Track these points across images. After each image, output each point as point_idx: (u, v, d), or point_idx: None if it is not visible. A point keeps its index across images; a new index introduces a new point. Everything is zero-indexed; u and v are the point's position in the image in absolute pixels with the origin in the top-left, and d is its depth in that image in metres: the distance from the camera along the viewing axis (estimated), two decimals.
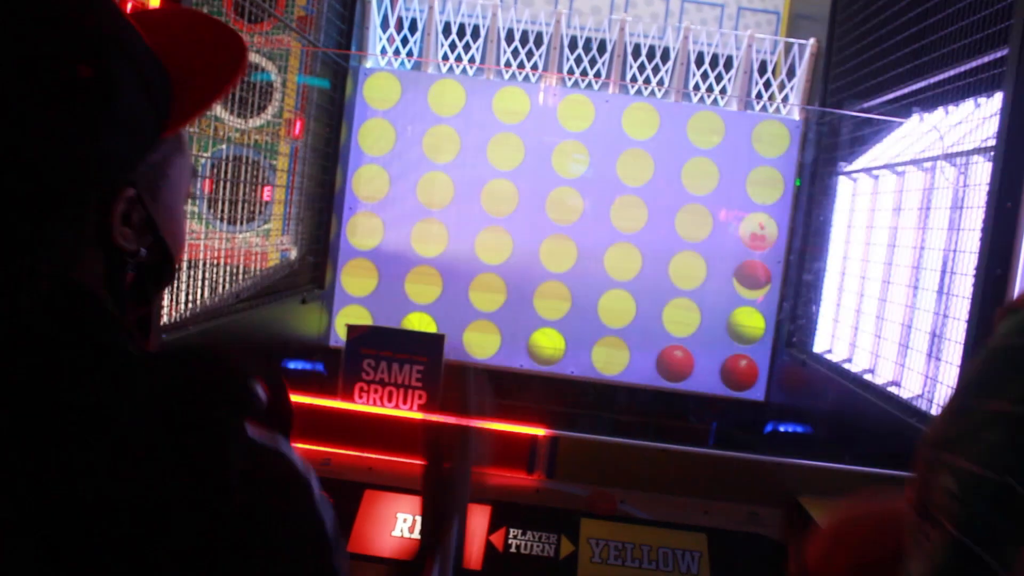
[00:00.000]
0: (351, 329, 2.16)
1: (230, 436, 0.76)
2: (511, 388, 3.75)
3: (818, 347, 3.68)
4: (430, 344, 2.12)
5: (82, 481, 0.70)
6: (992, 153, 2.27)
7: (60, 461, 0.70)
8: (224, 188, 3.28)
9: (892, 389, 2.83)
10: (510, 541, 1.97)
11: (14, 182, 0.75)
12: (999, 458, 0.76)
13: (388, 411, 2.13)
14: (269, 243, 3.48)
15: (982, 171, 2.43)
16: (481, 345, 3.83)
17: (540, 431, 2.12)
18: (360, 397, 2.13)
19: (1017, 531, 0.74)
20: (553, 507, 2.06)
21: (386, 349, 2.12)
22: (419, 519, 1.97)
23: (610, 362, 3.84)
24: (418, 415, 2.11)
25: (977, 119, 2.57)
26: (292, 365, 2.76)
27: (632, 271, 3.83)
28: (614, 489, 2.12)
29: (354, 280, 3.86)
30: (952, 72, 2.70)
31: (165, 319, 2.33)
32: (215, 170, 3.29)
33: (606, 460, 2.14)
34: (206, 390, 0.78)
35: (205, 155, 3.22)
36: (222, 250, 3.10)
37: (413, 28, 3.92)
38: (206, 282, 2.79)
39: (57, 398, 0.72)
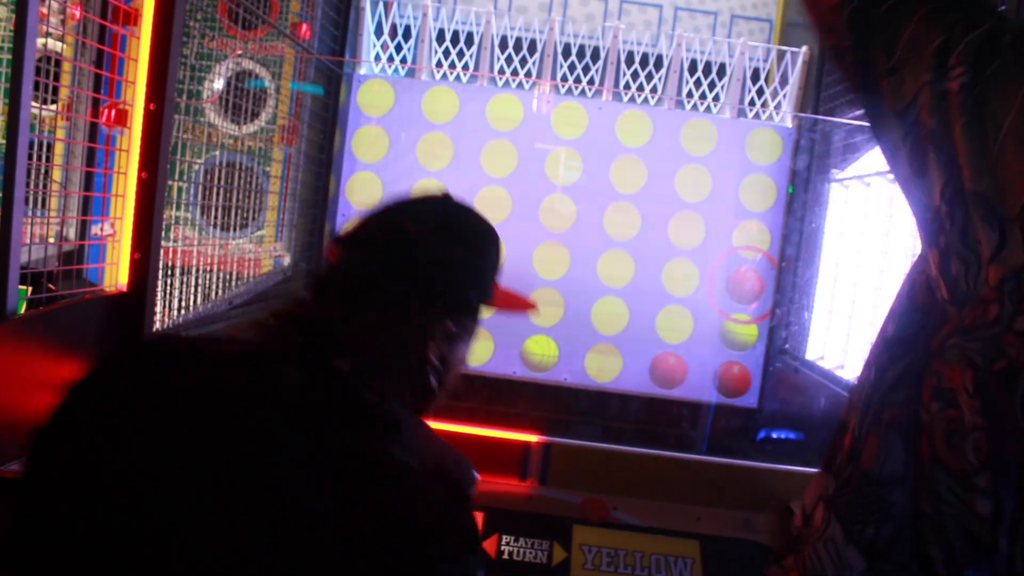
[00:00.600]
0: None
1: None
2: (504, 395, 3.75)
3: (811, 354, 3.69)
4: None
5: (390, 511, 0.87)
6: None
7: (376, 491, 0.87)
8: (217, 194, 3.29)
9: None
10: (503, 548, 1.97)
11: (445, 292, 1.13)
12: None
13: None
14: (263, 249, 3.48)
15: None
16: (474, 352, 3.83)
17: (533, 438, 2.12)
18: None
19: None
20: (545, 514, 2.06)
21: None
22: None
23: (603, 369, 3.84)
24: None
25: None
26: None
27: (625, 278, 3.83)
28: (607, 496, 2.13)
29: None
30: None
31: (158, 325, 2.32)
32: (208, 176, 3.30)
33: (599, 467, 2.14)
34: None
35: (199, 161, 3.22)
36: (215, 256, 3.09)
37: (407, 35, 3.93)
38: (199, 288, 2.79)
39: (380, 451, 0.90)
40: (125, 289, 2.11)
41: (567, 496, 2.10)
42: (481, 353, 3.83)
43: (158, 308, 2.35)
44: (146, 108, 2.07)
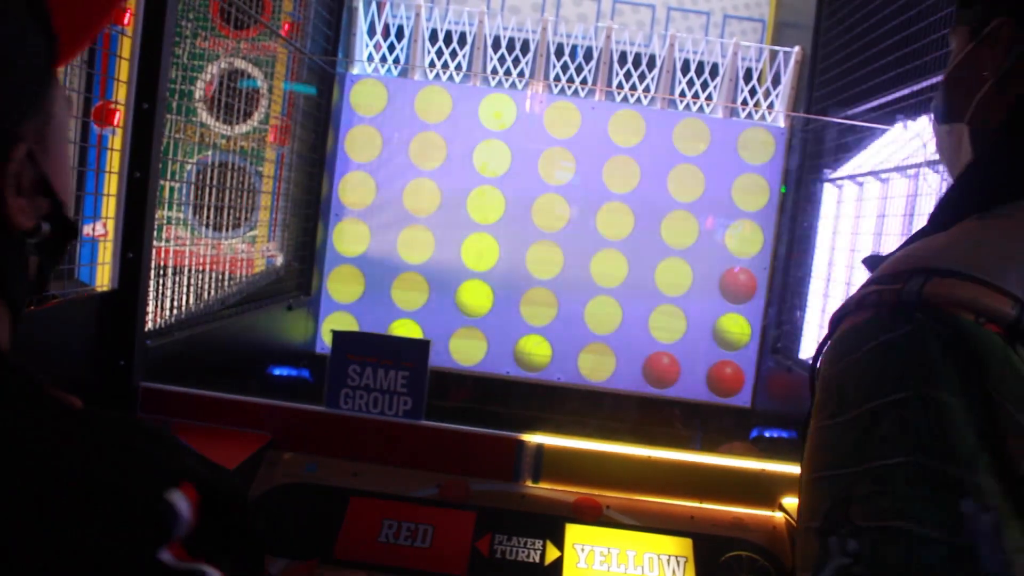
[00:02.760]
0: (337, 335, 2.15)
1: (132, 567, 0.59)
2: (497, 394, 3.76)
3: (803, 353, 3.70)
4: (416, 350, 2.12)
5: None
6: None
7: None
8: (210, 194, 3.27)
9: None
10: (495, 547, 1.96)
11: None
12: (897, 443, 0.77)
13: (373, 417, 2.12)
14: (255, 249, 3.47)
15: None
16: (467, 352, 3.83)
17: (526, 436, 2.12)
18: (345, 403, 2.12)
19: (935, 499, 0.76)
20: (538, 513, 2.06)
21: (371, 355, 2.11)
22: (405, 525, 1.96)
23: (596, 368, 3.84)
24: (404, 421, 2.10)
25: None
26: (277, 372, 2.75)
27: (618, 278, 3.84)
28: (600, 494, 2.12)
29: (340, 287, 3.86)
30: (935, 79, 2.72)
31: (150, 325, 2.32)
32: (201, 176, 3.28)
33: (592, 466, 2.14)
34: (114, 509, 0.60)
35: (191, 161, 3.21)
36: (207, 256, 3.09)
37: (400, 35, 3.93)
38: (191, 288, 2.78)
39: None
40: (117, 289, 2.10)
41: (560, 495, 2.10)
42: (474, 353, 3.83)
43: (150, 308, 2.34)
44: (138, 107, 2.06)
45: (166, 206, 2.92)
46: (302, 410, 2.15)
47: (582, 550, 1.99)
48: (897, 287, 0.83)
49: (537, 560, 1.95)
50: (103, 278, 2.11)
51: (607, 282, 3.84)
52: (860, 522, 0.77)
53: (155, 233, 2.29)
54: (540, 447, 2.13)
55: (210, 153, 3.34)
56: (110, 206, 2.17)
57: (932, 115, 1.03)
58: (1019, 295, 0.81)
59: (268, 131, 3.50)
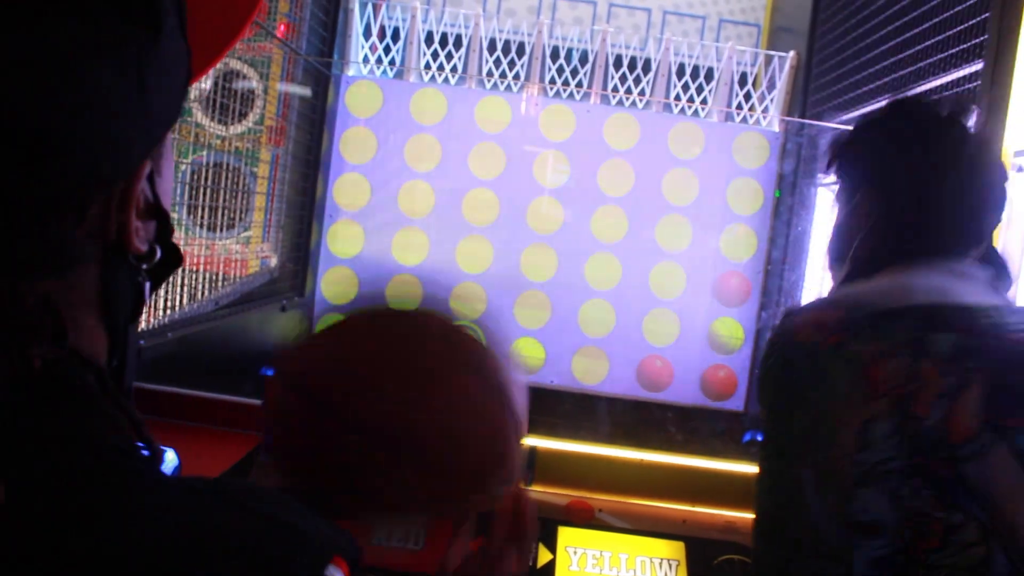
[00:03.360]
0: None
1: None
2: None
3: None
4: None
5: None
6: None
7: None
8: (204, 194, 3.27)
9: None
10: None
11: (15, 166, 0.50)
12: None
13: None
14: (249, 250, 3.47)
15: None
16: None
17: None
18: None
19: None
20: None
21: None
22: (408, 527, 1.96)
23: (590, 372, 3.85)
24: None
25: None
26: (271, 372, 2.74)
27: (612, 281, 3.84)
28: (592, 497, 2.13)
29: (334, 288, 3.85)
30: (930, 85, 2.74)
31: (143, 325, 2.31)
32: (195, 176, 3.28)
33: (584, 469, 2.15)
34: None
35: (185, 161, 3.21)
36: (201, 257, 3.09)
37: (395, 37, 3.93)
38: (184, 288, 2.78)
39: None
40: None
41: (552, 498, 2.10)
42: None
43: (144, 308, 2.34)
44: None
45: None
46: None
47: (574, 553, 2.00)
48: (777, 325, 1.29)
49: (530, 563, 1.96)
50: None
51: (601, 285, 3.84)
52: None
53: None
54: (533, 449, 2.14)
55: (205, 153, 3.33)
56: None
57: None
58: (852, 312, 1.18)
59: (263, 132, 3.50)
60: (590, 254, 3.84)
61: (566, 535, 2.03)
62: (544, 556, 1.97)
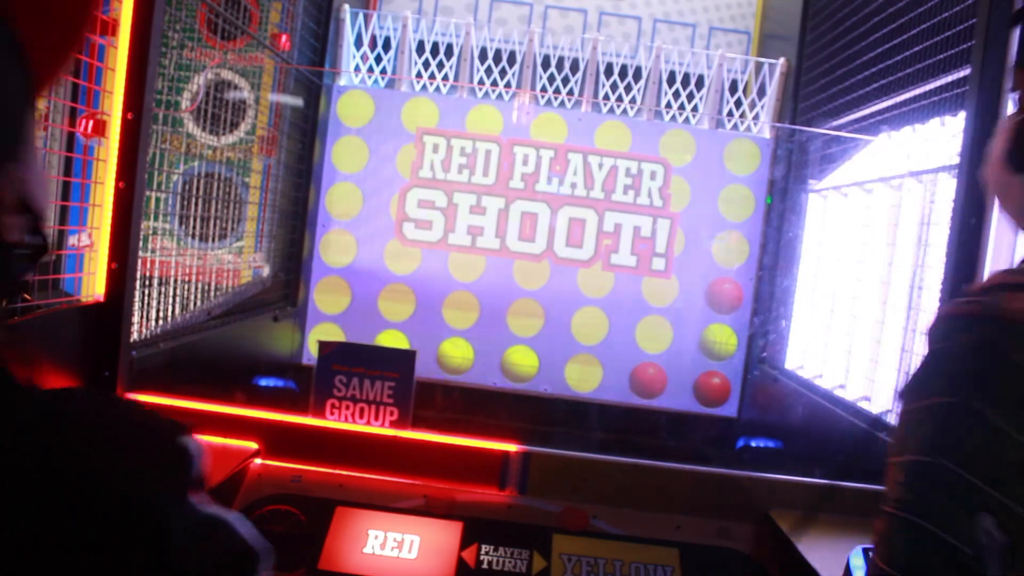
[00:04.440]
0: (323, 345, 2.15)
1: (170, 508, 0.66)
2: (485, 405, 3.75)
3: (790, 363, 3.71)
4: (401, 360, 2.12)
5: None
6: (957, 170, 2.31)
7: None
8: (196, 205, 3.27)
9: (863, 404, 2.86)
10: (482, 557, 1.96)
11: None
12: (930, 443, 0.87)
13: (359, 427, 2.12)
14: (242, 260, 3.46)
15: (948, 188, 2.47)
16: (454, 362, 3.83)
17: (512, 447, 2.12)
18: (332, 414, 2.12)
19: (951, 503, 0.84)
20: (525, 523, 2.06)
21: (358, 365, 2.11)
22: (391, 536, 1.96)
23: (583, 379, 3.85)
24: (390, 431, 2.10)
25: (943, 137, 2.61)
26: (263, 382, 2.75)
27: (605, 288, 3.84)
28: (586, 505, 2.13)
29: (327, 298, 3.85)
30: (918, 91, 2.75)
31: (135, 335, 2.31)
32: (187, 187, 3.28)
33: (578, 476, 2.15)
34: (137, 455, 0.67)
35: (177, 172, 3.21)
36: (193, 267, 3.08)
37: (387, 46, 3.94)
38: (177, 299, 2.78)
39: None
40: (102, 299, 2.10)
41: (547, 506, 2.10)
42: (461, 363, 3.83)
43: (135, 318, 2.34)
44: (124, 118, 2.07)
45: (152, 217, 2.91)
46: (288, 421, 2.15)
47: (568, 560, 2.00)
48: (979, 299, 0.91)
49: (524, 570, 1.95)
50: (89, 289, 2.11)
51: (594, 293, 3.84)
52: (885, 507, 0.88)
53: (141, 244, 2.29)
54: (526, 457, 2.14)
55: (196, 164, 3.33)
56: (96, 217, 2.17)
57: (990, 165, 1.05)
58: None
59: (255, 142, 3.50)
60: (581, 263, 3.84)
61: (560, 542, 2.03)
62: (539, 563, 1.97)
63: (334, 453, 2.11)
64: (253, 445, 2.10)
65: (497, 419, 3.68)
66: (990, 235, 2.17)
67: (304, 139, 3.84)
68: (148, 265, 2.78)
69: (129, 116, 2.06)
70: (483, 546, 1.98)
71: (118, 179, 2.07)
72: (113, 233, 2.10)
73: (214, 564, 0.69)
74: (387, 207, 3.84)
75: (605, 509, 2.12)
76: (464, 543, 1.99)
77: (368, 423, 2.12)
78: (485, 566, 1.95)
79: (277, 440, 2.13)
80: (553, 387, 3.84)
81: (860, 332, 3.04)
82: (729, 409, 3.87)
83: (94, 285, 2.10)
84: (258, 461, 2.10)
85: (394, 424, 2.11)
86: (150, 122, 2.13)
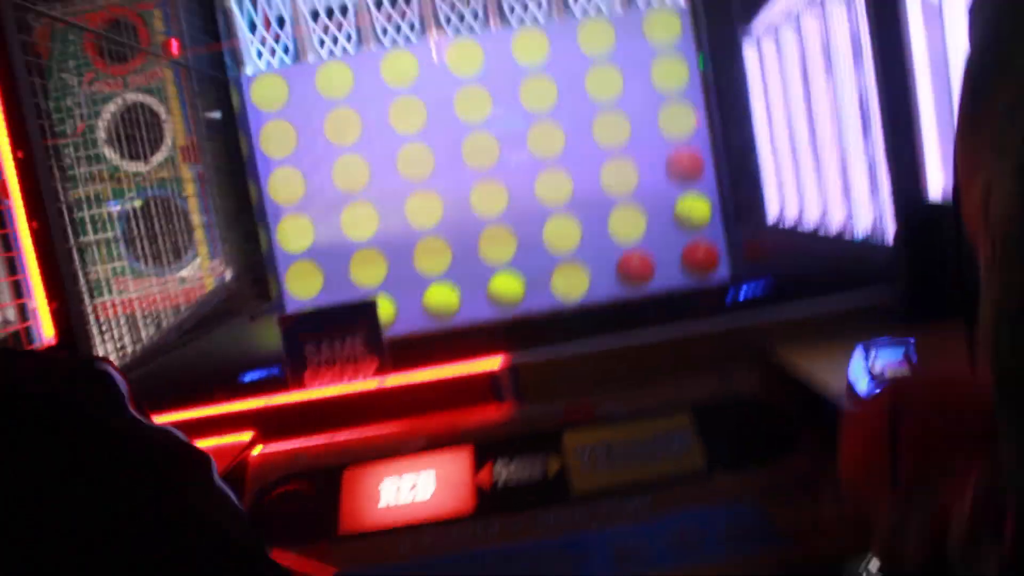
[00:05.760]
0: (282, 320, 2.12)
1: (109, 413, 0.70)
2: (482, 343, 3.71)
3: (768, 214, 3.67)
4: (362, 312, 2.09)
5: None
6: None
7: None
8: (142, 235, 3.22)
9: (846, 233, 2.82)
10: (498, 475, 1.94)
11: None
12: None
13: (343, 389, 2.09)
14: (202, 269, 3.43)
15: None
16: (442, 306, 3.79)
17: (497, 360, 2.09)
18: (314, 383, 2.09)
19: None
20: (531, 430, 2.03)
21: (322, 329, 2.08)
22: (402, 482, 1.94)
23: (571, 287, 3.80)
24: (373, 382, 2.07)
25: None
26: (247, 378, 2.72)
27: (565, 193, 3.78)
28: (588, 397, 2.10)
29: (299, 283, 3.80)
30: None
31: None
32: (129, 223, 3.23)
33: (570, 370, 2.12)
34: (71, 377, 0.72)
35: (112, 211, 3.16)
36: (159, 296, 3.05)
37: (281, 23, 3.84)
38: (146, 326, 2.74)
39: None
40: (54, 341, 2.06)
41: (548, 408, 2.07)
42: (449, 306, 3.78)
43: (101, 351, 2.30)
44: (15, 158, 2.01)
45: (103, 261, 2.88)
46: (276, 403, 2.13)
47: (584, 453, 1.97)
48: None
49: (541, 476, 1.93)
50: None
51: (556, 200, 3.78)
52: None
53: (104, 289, 2.26)
54: (515, 368, 2.11)
55: (128, 196, 3.28)
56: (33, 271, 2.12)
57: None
58: None
59: (178, 154, 3.44)
60: (536, 174, 3.78)
61: (571, 438, 2.00)
62: (554, 464, 1.95)
63: (327, 419, 2.08)
64: (247, 436, 2.08)
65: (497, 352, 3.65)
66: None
67: (227, 137, 3.76)
68: (113, 307, 2.75)
69: (20, 155, 2.00)
70: (496, 464, 1.96)
71: (29, 220, 2.02)
72: (43, 273, 2.06)
73: (165, 464, 0.70)
74: (330, 179, 3.77)
75: (608, 395, 2.09)
76: (477, 466, 1.97)
77: (352, 380, 2.09)
78: (503, 483, 1.92)
79: (270, 425, 2.11)
80: (544, 303, 3.79)
81: (826, 166, 2.99)
82: (722, 273, 3.83)
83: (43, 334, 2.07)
84: (257, 451, 2.08)
85: (378, 373, 2.09)
86: (43, 153, 2.07)
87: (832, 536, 1.70)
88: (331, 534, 1.87)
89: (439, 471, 1.97)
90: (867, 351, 1.69)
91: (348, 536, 1.87)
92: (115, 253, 3.11)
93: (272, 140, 3.78)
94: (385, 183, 3.77)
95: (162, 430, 0.77)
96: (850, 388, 1.64)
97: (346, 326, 2.06)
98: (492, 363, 2.09)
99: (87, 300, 2.46)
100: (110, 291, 2.95)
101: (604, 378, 2.13)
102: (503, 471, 1.95)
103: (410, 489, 1.93)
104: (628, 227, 3.82)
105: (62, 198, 2.34)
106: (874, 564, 1.93)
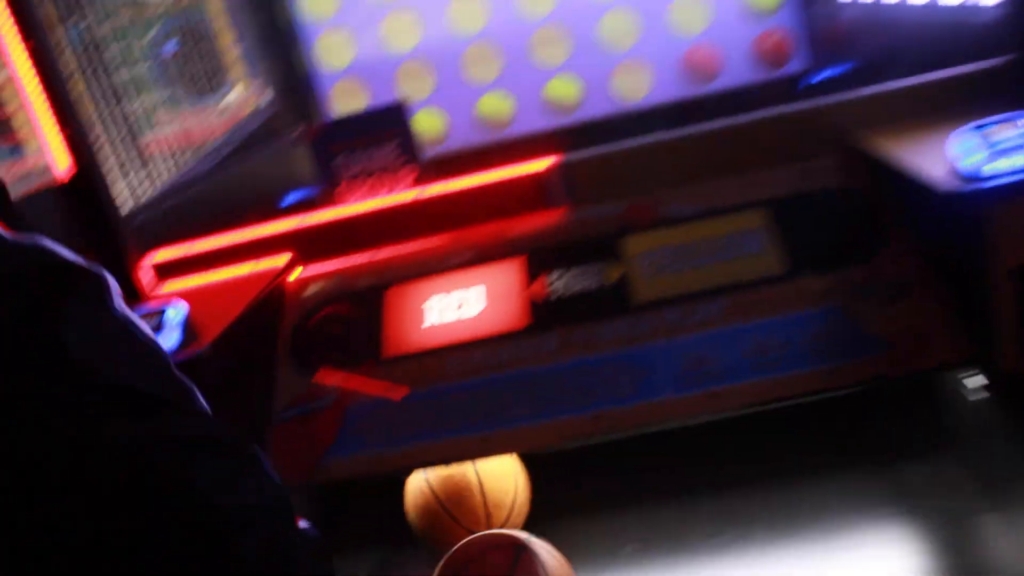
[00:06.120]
0: (310, 132, 1.94)
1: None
2: (538, 152, 3.49)
3: None
4: (392, 115, 1.89)
5: None
6: None
7: None
8: (176, 67, 3.07)
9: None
10: (552, 286, 1.77)
11: None
12: None
13: (377, 202, 1.92)
14: (243, 98, 3.27)
15: None
16: (494, 116, 3.55)
17: (547, 160, 1.89)
18: (348, 198, 1.93)
19: None
20: (588, 236, 1.84)
21: (352, 138, 1.89)
22: (449, 299, 1.79)
23: (633, 87, 3.51)
24: (413, 193, 1.90)
25: None
26: (287, 201, 2.57)
27: None
28: (650, 195, 1.89)
29: (345, 102, 3.58)
30: None
31: (131, 204, 2.15)
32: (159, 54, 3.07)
33: (630, 167, 1.90)
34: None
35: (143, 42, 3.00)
36: (199, 126, 2.92)
37: None
38: (172, 158, 2.60)
39: None
40: (73, 169, 1.92)
41: (606, 210, 1.87)
42: (502, 115, 3.53)
43: (122, 186, 2.17)
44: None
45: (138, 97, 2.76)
46: (311, 223, 1.98)
47: (646, 257, 1.78)
48: None
49: (600, 284, 1.76)
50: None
51: None
52: None
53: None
54: (566, 166, 1.90)
55: (157, 25, 3.10)
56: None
57: None
58: None
59: None
60: None
61: (632, 243, 1.81)
62: (614, 272, 1.77)
63: (366, 237, 1.93)
64: (283, 259, 1.94)
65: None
66: None
67: None
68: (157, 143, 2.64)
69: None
70: (550, 274, 1.79)
71: (24, 39, 1.84)
72: (50, 99, 1.89)
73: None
74: None
75: (671, 193, 1.88)
76: (530, 278, 1.80)
77: (391, 192, 1.91)
78: (559, 295, 1.76)
79: (307, 246, 1.97)
80: (602, 107, 3.51)
81: None
82: (799, 64, 3.48)
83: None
84: (295, 275, 1.95)
85: (418, 182, 1.90)
86: None
87: (928, 344, 1.51)
88: (376, 356, 1.75)
89: (488, 285, 1.81)
90: (978, 129, 1.44)
91: (394, 359, 1.74)
92: (150, 88, 2.98)
93: None
94: None
95: (36, 246, 0.63)
96: (954, 171, 1.40)
97: (377, 133, 1.88)
98: (541, 164, 1.88)
99: (128, 138, 2.34)
100: (151, 127, 2.84)
101: (667, 176, 1.90)
102: (558, 282, 1.78)
103: (457, 307, 1.78)
104: (692, 18, 3.46)
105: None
106: (977, 379, 1.75)
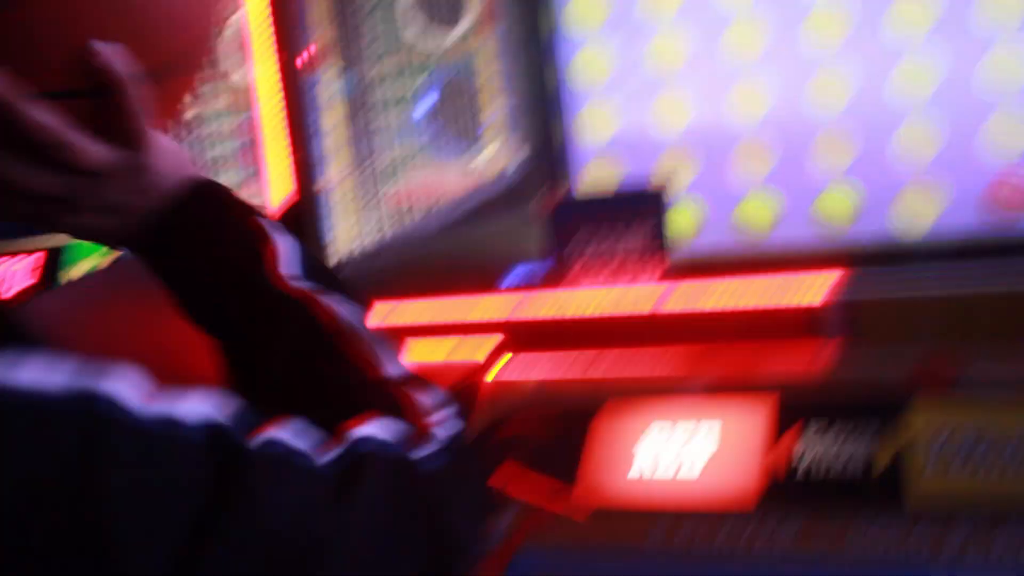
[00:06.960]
0: (552, 203, 1.74)
1: None
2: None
3: None
4: (649, 201, 1.64)
5: None
6: None
7: None
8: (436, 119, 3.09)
9: None
10: (803, 452, 1.39)
11: None
12: None
13: (615, 305, 1.64)
14: (494, 159, 3.18)
15: None
16: (755, 219, 3.19)
17: (830, 274, 1.53)
18: (581, 281, 1.67)
19: None
20: (859, 386, 1.45)
21: (599, 217, 1.65)
22: (679, 430, 1.46)
23: (918, 211, 3.03)
24: (653, 298, 1.60)
25: None
26: (512, 274, 2.35)
27: (928, 86, 2.98)
28: (951, 349, 1.48)
29: (596, 178, 3.34)
30: None
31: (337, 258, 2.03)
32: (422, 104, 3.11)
33: (931, 310, 1.51)
34: None
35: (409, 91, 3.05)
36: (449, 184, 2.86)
37: None
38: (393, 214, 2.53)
39: None
40: (297, 197, 1.80)
41: (895, 354, 1.47)
42: (762, 219, 3.17)
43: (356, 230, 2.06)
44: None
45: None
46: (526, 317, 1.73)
47: (938, 437, 1.36)
48: None
49: (865, 461, 1.35)
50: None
51: (915, 96, 3.00)
52: None
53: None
54: (852, 289, 1.54)
55: (425, 73, 3.14)
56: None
57: None
58: None
59: (474, 27, 3.20)
60: (894, 60, 3.01)
61: (923, 412, 1.39)
62: (887, 448, 1.36)
63: (592, 332, 1.65)
64: (491, 342, 1.70)
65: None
66: None
67: (531, 7, 3.36)
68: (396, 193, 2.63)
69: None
70: (808, 426, 1.41)
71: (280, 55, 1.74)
72: (290, 125, 1.79)
73: None
74: (641, 59, 3.27)
75: (981, 348, 1.45)
76: (780, 427, 1.43)
77: (631, 283, 1.63)
78: (801, 474, 1.37)
79: (523, 331, 1.72)
80: (876, 226, 3.06)
81: None
82: None
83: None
84: (501, 365, 1.69)
85: (665, 277, 1.62)
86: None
87: None
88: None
89: (725, 422, 1.45)
90: None
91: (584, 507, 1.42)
92: (403, 137, 2.99)
93: (580, 10, 3.33)
94: (705, 67, 3.20)
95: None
96: None
97: (627, 217, 1.63)
98: (820, 290, 1.53)
99: (371, 183, 2.30)
100: (394, 176, 2.83)
101: (977, 326, 1.49)
102: (812, 447, 1.39)
103: (682, 443, 1.43)
104: (1008, 138, 2.96)
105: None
106: None
